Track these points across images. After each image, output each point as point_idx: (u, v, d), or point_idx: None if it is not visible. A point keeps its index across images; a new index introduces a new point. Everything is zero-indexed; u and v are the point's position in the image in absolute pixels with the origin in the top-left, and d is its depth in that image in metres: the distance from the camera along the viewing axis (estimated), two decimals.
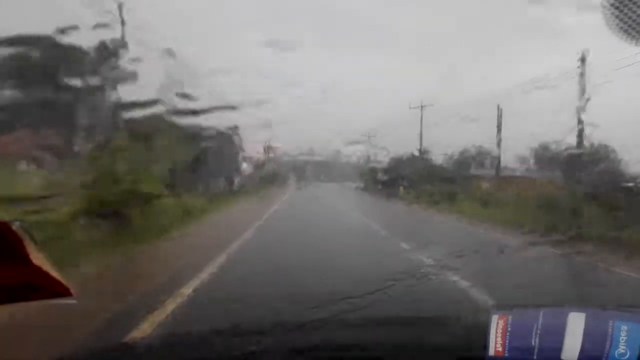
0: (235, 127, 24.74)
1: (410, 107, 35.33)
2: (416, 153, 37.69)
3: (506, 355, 0.99)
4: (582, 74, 18.04)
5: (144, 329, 4.10)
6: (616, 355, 0.93)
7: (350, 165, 67.93)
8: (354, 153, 63.33)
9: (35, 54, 10.97)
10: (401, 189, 35.20)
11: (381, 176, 39.75)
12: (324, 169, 71.82)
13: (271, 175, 48.95)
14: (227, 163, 27.72)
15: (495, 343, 1.00)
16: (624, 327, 0.95)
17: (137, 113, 12.54)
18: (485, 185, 27.62)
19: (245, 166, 40.22)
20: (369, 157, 49.05)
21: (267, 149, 43.57)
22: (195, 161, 17.53)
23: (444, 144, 35.54)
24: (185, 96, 11.56)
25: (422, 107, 35.48)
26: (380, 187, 39.71)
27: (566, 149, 20.32)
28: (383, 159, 44.07)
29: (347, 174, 66.79)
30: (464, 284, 5.86)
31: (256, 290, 5.37)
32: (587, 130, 17.87)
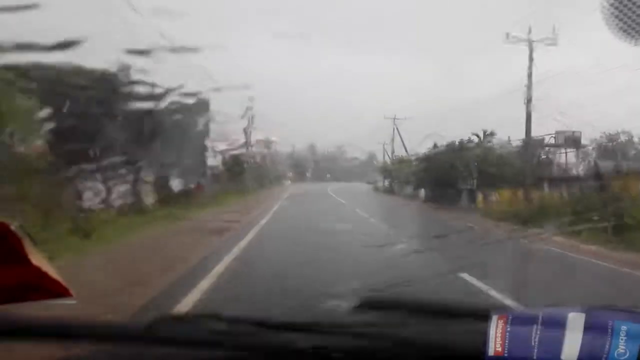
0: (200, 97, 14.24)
1: (507, 39, 19.98)
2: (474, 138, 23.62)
3: (506, 355, 0.99)
4: None
5: None
6: (616, 356, 0.93)
7: (359, 162, 64.51)
8: (365, 148, 57.80)
9: None
10: (480, 196, 21.62)
11: (424, 174, 25.42)
12: (328, 167, 68.44)
13: (262, 174, 37.05)
14: (177, 153, 17.07)
15: (494, 343, 1.00)
16: (624, 327, 0.95)
17: None
18: None
19: (218, 160, 28.37)
20: (392, 148, 38.47)
21: (248, 133, 31.07)
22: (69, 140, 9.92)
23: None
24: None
25: (530, 39, 19.27)
26: (428, 190, 25.68)
27: None
28: (412, 149, 32.54)
29: (356, 172, 62.86)
30: None
31: None
32: None
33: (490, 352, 1.00)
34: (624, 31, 1.77)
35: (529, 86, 18.61)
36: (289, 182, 52.49)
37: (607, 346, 0.94)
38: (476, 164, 21.58)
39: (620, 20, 1.78)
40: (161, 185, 17.24)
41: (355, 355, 1.14)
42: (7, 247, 0.71)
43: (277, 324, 1.29)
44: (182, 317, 1.33)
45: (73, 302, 0.78)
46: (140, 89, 10.27)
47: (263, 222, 15.23)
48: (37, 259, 0.74)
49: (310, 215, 17.45)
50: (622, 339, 0.94)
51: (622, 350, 0.93)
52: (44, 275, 0.75)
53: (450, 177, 22.25)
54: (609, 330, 0.95)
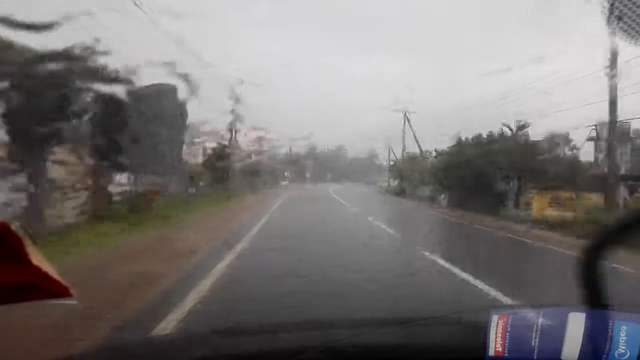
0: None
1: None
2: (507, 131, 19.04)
3: (506, 355, 0.99)
4: None
5: None
6: (616, 355, 0.93)
7: (359, 162, 63.32)
8: (366, 147, 56.10)
9: None
10: (530, 201, 15.99)
11: (447, 173, 20.41)
12: (328, 166, 66.99)
13: (254, 174, 32.10)
14: (132, 145, 12.32)
15: (495, 343, 1.00)
16: (624, 327, 0.94)
17: None
18: None
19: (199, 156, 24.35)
20: (403, 144, 35.77)
21: (233, 129, 25.20)
22: None
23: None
24: None
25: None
26: (454, 192, 20.16)
27: None
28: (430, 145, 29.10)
29: (357, 171, 61.43)
30: None
31: None
32: None
33: (491, 352, 1.00)
34: (624, 31, 1.77)
35: (614, 54, 13.40)
36: (287, 182, 47.95)
37: (607, 346, 0.93)
38: (526, 159, 16.39)
39: (620, 20, 1.77)
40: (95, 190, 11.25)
41: (356, 355, 1.14)
42: (7, 247, 0.71)
43: (271, 329, 1.29)
44: (176, 334, 1.34)
45: (74, 302, 0.78)
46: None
47: (227, 261, 7.64)
48: (38, 258, 0.74)
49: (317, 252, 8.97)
50: (622, 339, 0.93)
51: (622, 351, 0.92)
52: (45, 275, 0.75)
53: (483, 176, 17.02)
54: (609, 330, 0.94)
